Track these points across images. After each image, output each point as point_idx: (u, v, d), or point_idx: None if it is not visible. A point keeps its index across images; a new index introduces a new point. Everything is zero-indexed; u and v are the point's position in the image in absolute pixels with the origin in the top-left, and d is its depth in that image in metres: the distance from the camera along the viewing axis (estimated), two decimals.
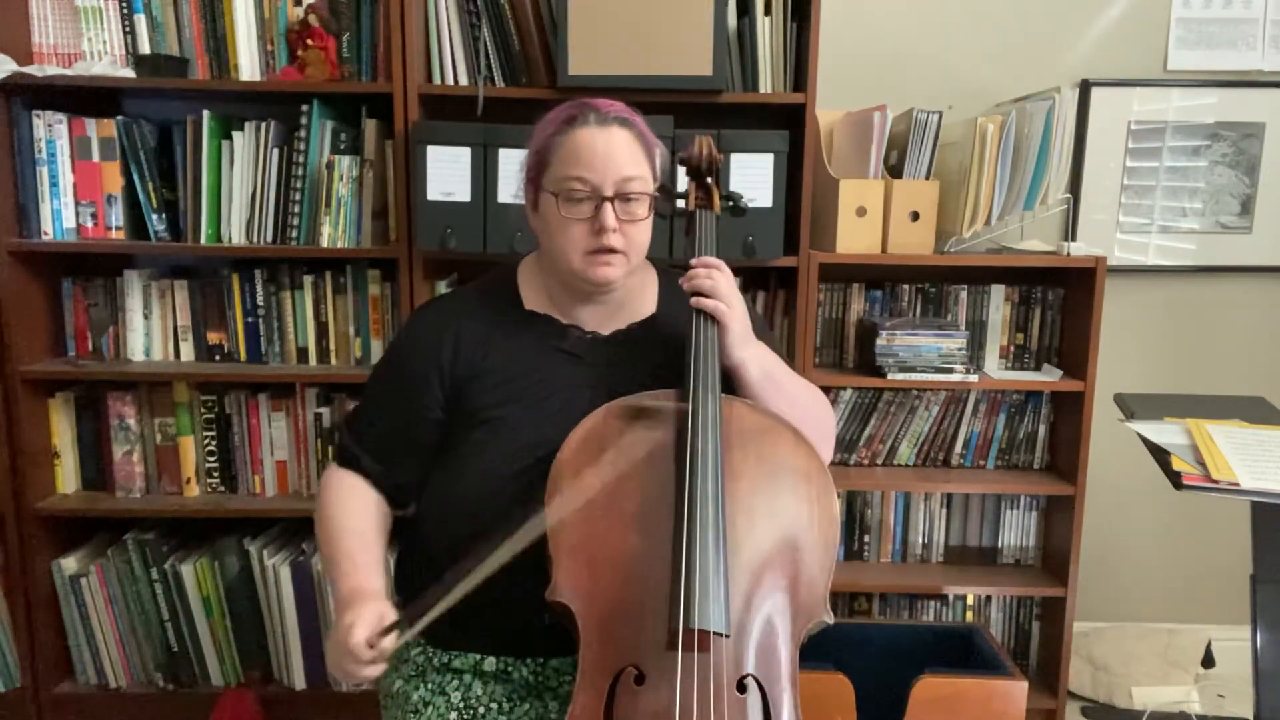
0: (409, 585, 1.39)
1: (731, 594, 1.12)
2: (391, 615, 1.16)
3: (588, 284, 1.30)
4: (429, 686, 1.31)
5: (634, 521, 1.16)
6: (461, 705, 1.28)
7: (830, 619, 1.18)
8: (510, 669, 1.30)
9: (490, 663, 1.30)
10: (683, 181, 1.47)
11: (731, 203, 1.47)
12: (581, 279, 1.30)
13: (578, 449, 1.21)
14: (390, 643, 1.14)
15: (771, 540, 1.18)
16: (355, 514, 1.33)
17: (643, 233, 1.30)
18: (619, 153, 1.26)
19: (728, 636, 1.10)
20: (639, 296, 1.40)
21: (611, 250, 1.26)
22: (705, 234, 1.39)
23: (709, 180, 1.44)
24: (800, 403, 1.34)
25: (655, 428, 1.22)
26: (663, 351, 1.33)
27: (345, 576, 1.24)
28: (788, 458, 1.24)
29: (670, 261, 1.43)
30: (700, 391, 1.22)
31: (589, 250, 1.27)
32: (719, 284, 1.29)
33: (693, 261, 1.33)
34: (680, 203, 1.45)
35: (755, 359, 1.31)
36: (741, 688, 1.10)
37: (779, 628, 1.15)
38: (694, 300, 1.29)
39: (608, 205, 1.25)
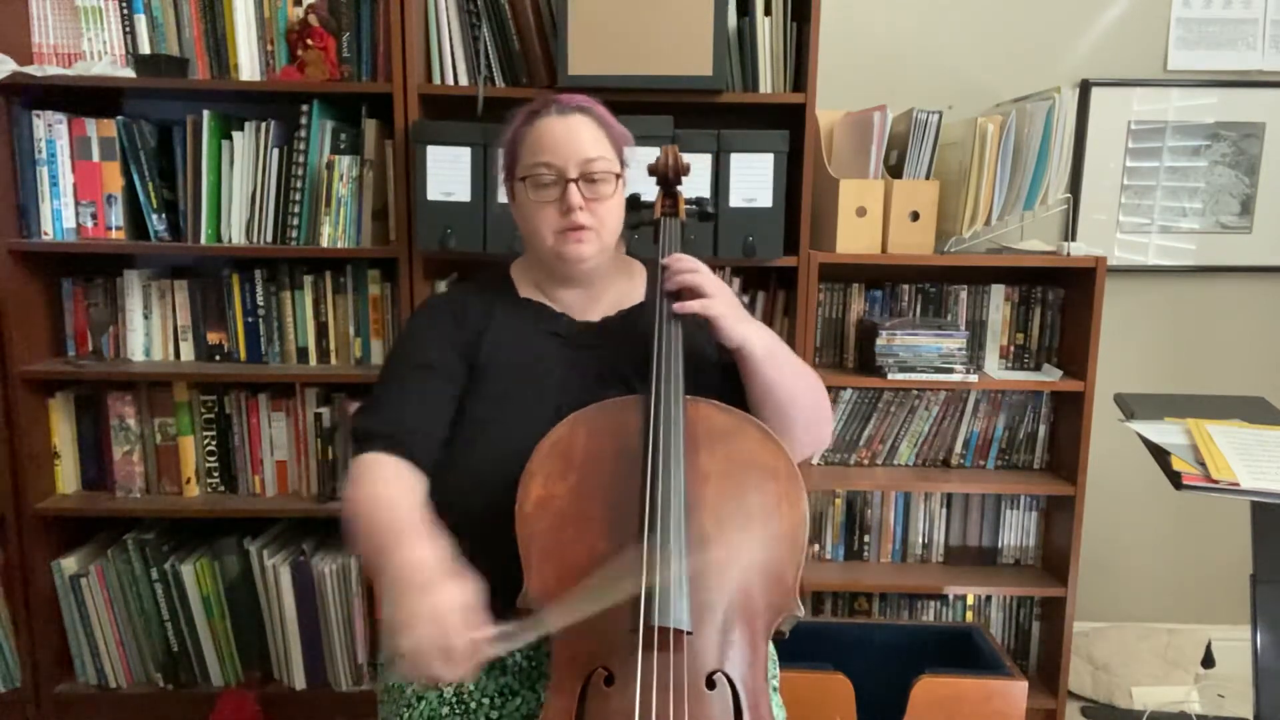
0: None
1: (697, 591, 1.12)
2: (478, 607, 1.05)
3: (564, 262, 1.35)
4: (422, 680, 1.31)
5: (601, 526, 1.17)
6: (454, 699, 1.29)
7: (801, 611, 1.19)
8: (505, 657, 1.30)
9: None
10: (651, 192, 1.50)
11: (698, 208, 1.51)
12: (557, 258, 1.35)
13: (545, 458, 1.22)
14: (489, 646, 1.04)
15: (738, 537, 1.19)
16: (397, 488, 1.23)
17: (612, 211, 1.36)
18: (580, 136, 1.33)
19: (690, 633, 1.10)
20: (626, 285, 1.45)
21: (581, 227, 1.32)
22: (671, 240, 1.43)
23: (676, 188, 1.48)
24: (805, 378, 1.36)
25: (621, 433, 1.23)
26: (651, 339, 1.35)
27: (404, 546, 1.10)
28: (754, 455, 1.25)
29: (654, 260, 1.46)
30: (663, 395, 1.24)
31: (560, 230, 1.33)
32: (700, 277, 1.31)
33: (664, 261, 1.35)
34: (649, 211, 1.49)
35: (756, 336, 1.31)
36: (710, 684, 1.10)
37: (747, 623, 1.15)
38: (677, 305, 1.30)
39: (572, 186, 1.31)
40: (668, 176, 1.47)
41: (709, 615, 1.13)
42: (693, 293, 1.31)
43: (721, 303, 1.30)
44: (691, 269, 1.32)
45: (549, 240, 1.34)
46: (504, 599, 1.16)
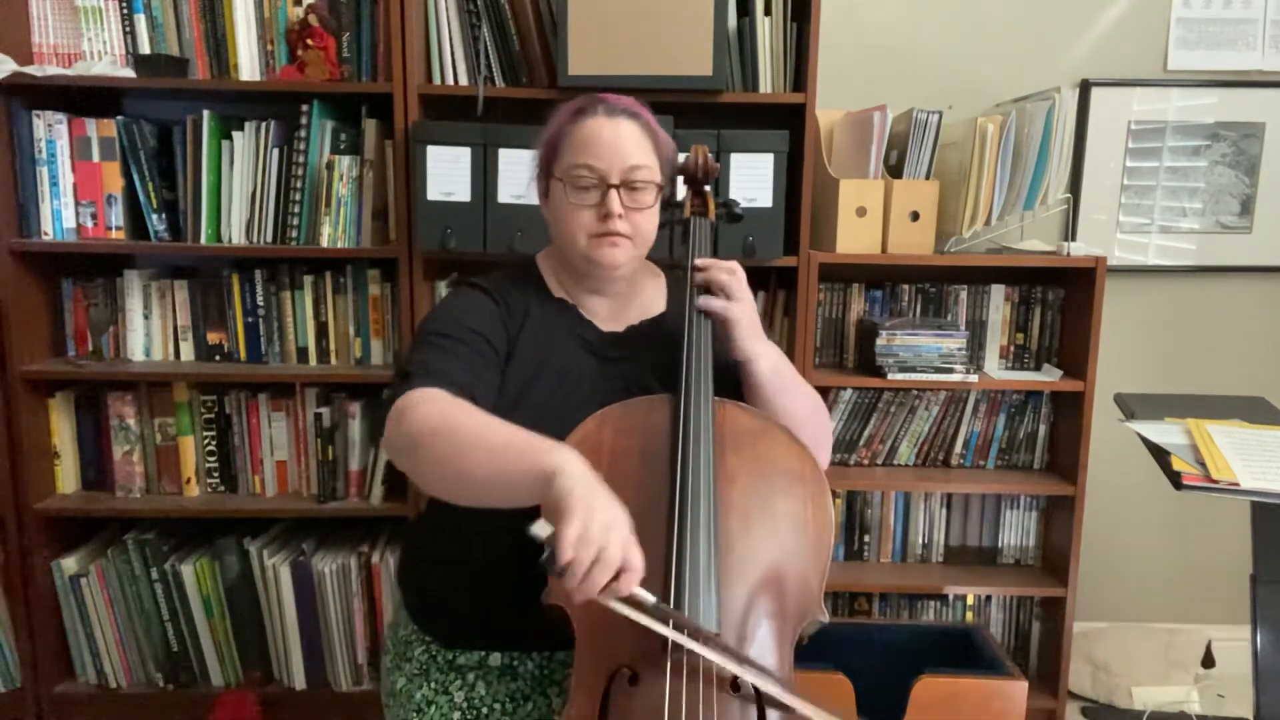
0: (414, 585, 1.39)
1: (723, 593, 1.12)
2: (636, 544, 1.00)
3: (595, 267, 1.32)
4: (432, 685, 1.31)
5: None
6: (465, 705, 1.28)
7: (825, 617, 1.19)
8: (516, 663, 1.30)
9: (496, 658, 1.30)
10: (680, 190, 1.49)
11: (726, 209, 1.51)
12: (589, 261, 1.31)
13: None
14: (631, 578, 0.98)
15: (765, 541, 1.18)
16: (488, 414, 1.13)
17: (649, 220, 1.33)
18: (626, 142, 1.29)
19: (717, 634, 1.10)
20: (649, 295, 1.43)
21: (617, 234, 1.28)
22: (701, 240, 1.42)
23: (705, 188, 1.47)
24: (806, 402, 1.36)
25: (648, 432, 1.23)
26: (674, 348, 1.34)
27: (564, 451, 1.03)
28: (781, 459, 1.24)
29: (670, 261, 1.45)
30: (693, 395, 1.23)
31: (595, 234, 1.29)
32: (734, 279, 1.31)
33: (702, 261, 1.34)
34: (677, 210, 1.47)
35: (766, 355, 1.32)
36: (735, 687, 1.10)
37: (773, 627, 1.15)
38: (702, 300, 1.30)
39: (613, 192, 1.28)
40: (697, 176, 1.46)
41: (734, 617, 1.13)
42: (722, 292, 1.30)
43: (742, 309, 1.30)
44: (730, 269, 1.31)
45: (581, 243, 1.30)
46: (529, 597, 1.16)
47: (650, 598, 1.03)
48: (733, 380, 1.35)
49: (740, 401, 1.31)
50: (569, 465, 1.01)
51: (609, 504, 0.99)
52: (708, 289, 1.31)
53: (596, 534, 0.95)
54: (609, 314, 1.39)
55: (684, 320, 1.34)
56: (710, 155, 1.47)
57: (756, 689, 1.11)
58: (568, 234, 1.31)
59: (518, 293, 1.36)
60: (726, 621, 1.12)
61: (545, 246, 1.44)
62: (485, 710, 1.28)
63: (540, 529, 0.97)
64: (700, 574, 1.10)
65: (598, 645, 1.12)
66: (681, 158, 1.45)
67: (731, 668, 1.08)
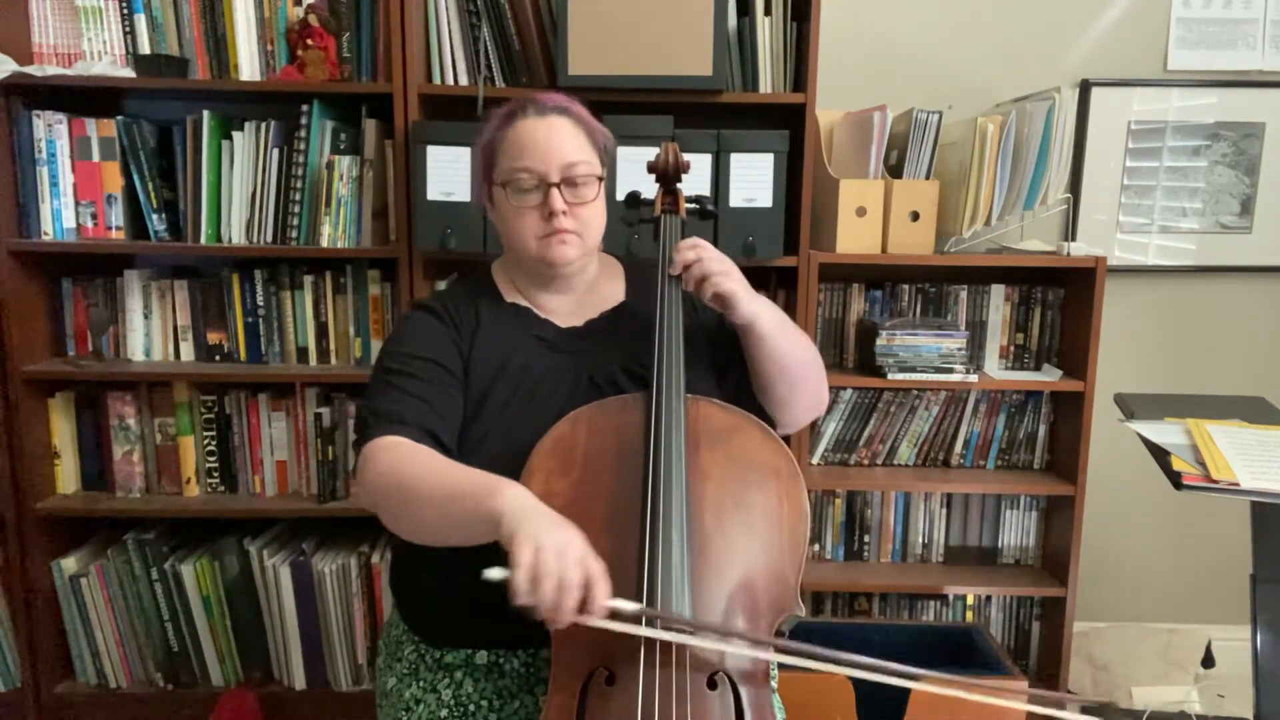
0: (403, 585, 1.39)
1: (698, 590, 1.12)
2: (598, 559, 1.02)
3: (547, 266, 1.34)
4: (421, 684, 1.31)
5: (602, 525, 1.16)
6: (452, 703, 1.29)
7: (801, 611, 1.19)
8: (502, 661, 1.31)
9: (482, 656, 1.31)
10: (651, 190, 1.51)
11: (698, 206, 1.51)
12: (541, 262, 1.34)
13: (546, 456, 1.22)
14: (599, 598, 0.99)
15: (740, 536, 1.19)
16: (438, 457, 1.19)
17: (595, 214, 1.35)
18: (561, 140, 1.32)
19: (693, 632, 1.10)
20: (607, 286, 1.45)
21: (565, 230, 1.31)
22: (672, 238, 1.42)
23: (676, 185, 1.48)
24: (805, 349, 1.39)
25: (622, 432, 1.23)
26: (637, 337, 1.36)
27: (513, 486, 1.07)
28: (755, 454, 1.25)
29: (646, 260, 1.46)
30: (665, 393, 1.24)
31: (543, 234, 1.32)
32: (704, 257, 1.31)
33: (674, 257, 1.35)
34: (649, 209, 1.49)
35: (765, 313, 1.33)
36: (712, 684, 1.10)
37: (749, 622, 1.15)
38: (710, 282, 1.30)
39: (554, 190, 1.30)
40: (667, 174, 1.47)
41: (710, 614, 1.13)
42: (705, 276, 1.31)
43: (733, 279, 1.31)
44: (690, 244, 1.33)
45: (532, 246, 1.33)
46: (505, 601, 1.16)
47: (631, 606, 1.03)
48: (725, 345, 1.38)
49: (725, 381, 1.33)
50: (510, 504, 1.03)
51: (554, 529, 1.00)
52: (685, 273, 1.33)
53: (550, 565, 0.97)
54: (569, 311, 1.41)
55: (646, 307, 1.35)
56: (679, 151, 1.47)
57: (734, 685, 1.11)
58: (517, 237, 1.34)
59: (466, 304, 1.38)
60: (701, 618, 1.12)
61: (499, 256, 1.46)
62: (472, 708, 1.28)
63: (494, 573, 0.98)
64: (674, 571, 1.10)
65: (573, 647, 1.12)
66: (652, 156, 1.47)
67: (722, 646, 1.09)
